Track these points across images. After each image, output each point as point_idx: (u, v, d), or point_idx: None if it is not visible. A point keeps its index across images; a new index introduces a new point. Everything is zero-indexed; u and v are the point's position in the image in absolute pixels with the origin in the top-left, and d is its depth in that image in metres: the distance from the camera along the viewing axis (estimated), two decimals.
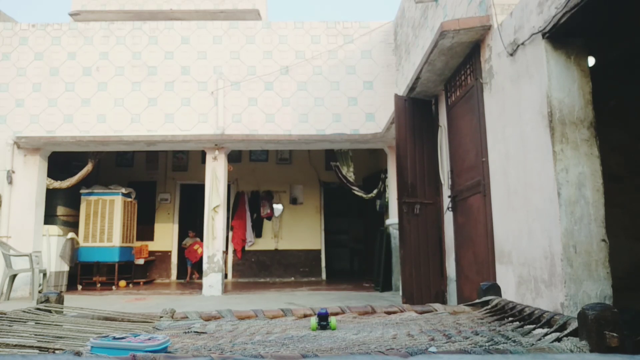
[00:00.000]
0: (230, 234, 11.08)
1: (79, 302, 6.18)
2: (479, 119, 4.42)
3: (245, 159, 11.57)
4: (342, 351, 0.92)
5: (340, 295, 7.24)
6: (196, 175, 10.97)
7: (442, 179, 5.55)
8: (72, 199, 9.63)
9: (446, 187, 5.41)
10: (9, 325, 1.01)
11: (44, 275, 7.79)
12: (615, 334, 0.79)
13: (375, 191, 9.52)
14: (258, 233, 11.35)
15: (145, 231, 10.97)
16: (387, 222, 8.15)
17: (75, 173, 8.85)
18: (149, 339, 0.88)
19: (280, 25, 8.69)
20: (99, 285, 9.32)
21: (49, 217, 8.88)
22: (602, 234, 3.06)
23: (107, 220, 9.34)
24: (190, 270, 10.74)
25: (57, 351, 0.88)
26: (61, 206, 9.64)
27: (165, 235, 11.34)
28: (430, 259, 5.59)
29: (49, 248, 8.44)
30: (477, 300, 1.40)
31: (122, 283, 9.46)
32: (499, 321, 1.18)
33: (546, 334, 0.95)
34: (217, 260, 8.08)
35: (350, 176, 9.48)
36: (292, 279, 11.06)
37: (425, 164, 5.76)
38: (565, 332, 0.90)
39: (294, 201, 11.58)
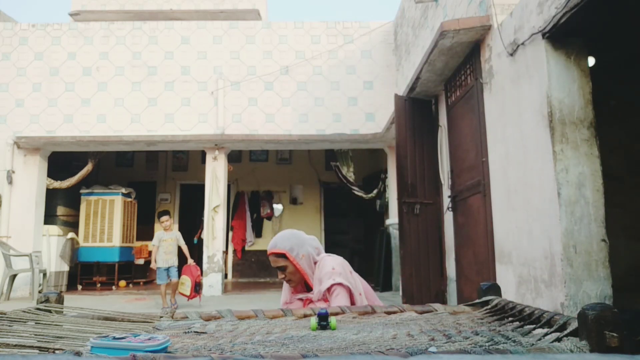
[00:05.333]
0: (230, 234, 11.08)
1: (79, 302, 6.17)
2: (479, 119, 4.42)
3: (245, 159, 11.57)
4: (342, 351, 0.92)
5: None
6: (196, 175, 10.97)
7: (442, 179, 5.55)
8: (72, 199, 9.63)
9: (446, 187, 5.40)
10: (9, 325, 1.01)
11: (44, 275, 7.79)
12: (615, 334, 0.79)
13: (375, 191, 9.52)
14: (258, 233, 11.35)
15: (145, 231, 10.96)
16: (387, 222, 8.15)
17: (75, 173, 8.85)
18: (149, 339, 0.88)
19: (280, 25, 8.69)
20: (99, 285, 9.31)
21: (49, 217, 8.88)
22: (602, 234, 3.06)
23: (107, 220, 9.34)
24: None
25: (57, 351, 0.88)
26: (61, 206, 9.64)
27: None
28: (430, 259, 5.59)
29: (49, 248, 8.44)
30: (477, 300, 1.40)
31: (122, 283, 9.46)
32: (499, 321, 1.18)
33: (546, 334, 0.95)
34: (217, 260, 8.09)
35: (350, 176, 9.48)
36: None
37: (425, 164, 5.76)
38: (565, 332, 0.90)
39: (294, 201, 11.58)
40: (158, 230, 6.75)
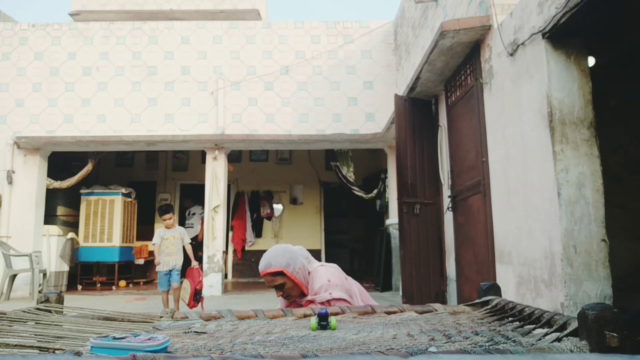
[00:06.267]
0: (230, 234, 11.08)
1: (79, 302, 6.17)
2: (479, 119, 4.42)
3: (245, 159, 11.57)
4: (342, 351, 0.92)
5: None
6: (196, 175, 10.96)
7: (442, 179, 5.55)
8: (72, 199, 9.63)
9: (446, 187, 5.40)
10: (9, 325, 1.01)
11: (44, 275, 7.79)
12: (615, 334, 0.79)
13: (375, 191, 9.52)
14: (258, 233, 11.35)
15: (145, 231, 10.95)
16: (387, 222, 8.15)
17: (75, 173, 8.85)
18: (149, 339, 0.88)
19: (280, 25, 8.69)
20: (99, 285, 9.32)
21: (49, 217, 8.88)
22: (602, 234, 3.06)
23: (107, 220, 9.34)
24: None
25: (57, 351, 0.88)
26: (61, 206, 9.64)
27: None
28: (430, 259, 5.59)
29: (49, 248, 8.44)
30: (477, 300, 1.40)
31: (122, 283, 9.46)
32: (499, 321, 1.18)
33: (546, 334, 0.95)
34: (217, 260, 8.08)
35: (350, 176, 9.48)
36: None
37: (425, 164, 5.76)
38: (565, 332, 0.90)
39: (294, 201, 11.58)
40: (158, 229, 5.92)
